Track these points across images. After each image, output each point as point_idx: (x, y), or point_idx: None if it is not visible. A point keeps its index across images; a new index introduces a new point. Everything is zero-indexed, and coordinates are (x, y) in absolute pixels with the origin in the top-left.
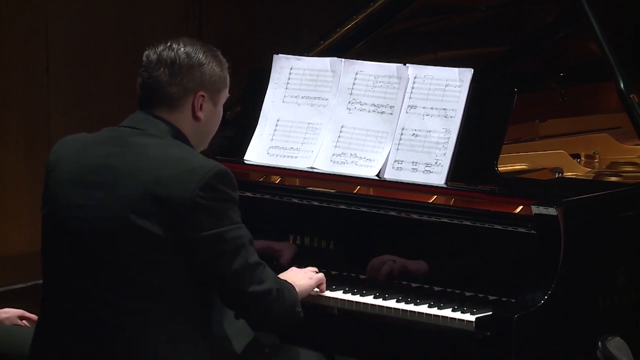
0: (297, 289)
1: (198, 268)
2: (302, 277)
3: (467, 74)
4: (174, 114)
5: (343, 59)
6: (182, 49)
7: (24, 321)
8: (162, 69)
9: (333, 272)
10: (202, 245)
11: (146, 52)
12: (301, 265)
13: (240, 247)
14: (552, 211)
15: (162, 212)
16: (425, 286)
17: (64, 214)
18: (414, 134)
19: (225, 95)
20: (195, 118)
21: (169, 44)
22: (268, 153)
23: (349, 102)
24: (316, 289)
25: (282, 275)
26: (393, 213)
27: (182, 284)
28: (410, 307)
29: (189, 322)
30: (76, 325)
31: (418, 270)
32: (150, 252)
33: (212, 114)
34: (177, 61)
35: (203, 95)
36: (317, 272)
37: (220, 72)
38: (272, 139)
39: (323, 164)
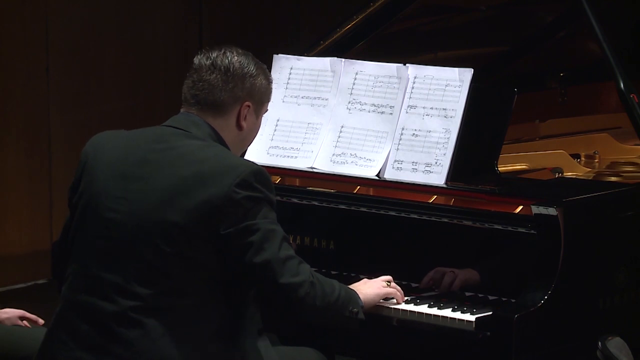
0: (361, 296)
1: (230, 262)
2: (370, 286)
3: (467, 74)
4: (218, 119)
5: (343, 59)
6: (236, 58)
7: (24, 321)
8: (215, 74)
9: (333, 272)
10: (234, 238)
11: (198, 57)
12: None
13: (271, 239)
14: (552, 211)
15: (198, 207)
16: None
17: (101, 204)
18: (414, 134)
19: (266, 108)
20: (239, 127)
21: (223, 51)
22: (268, 153)
23: (349, 102)
24: (393, 301)
25: (352, 285)
26: (393, 213)
27: (210, 286)
28: (410, 307)
29: (211, 328)
30: (99, 317)
31: (418, 270)
32: (181, 248)
33: (253, 125)
34: (231, 68)
35: (249, 106)
36: (390, 283)
37: (267, 86)
38: (272, 139)
39: (323, 164)
